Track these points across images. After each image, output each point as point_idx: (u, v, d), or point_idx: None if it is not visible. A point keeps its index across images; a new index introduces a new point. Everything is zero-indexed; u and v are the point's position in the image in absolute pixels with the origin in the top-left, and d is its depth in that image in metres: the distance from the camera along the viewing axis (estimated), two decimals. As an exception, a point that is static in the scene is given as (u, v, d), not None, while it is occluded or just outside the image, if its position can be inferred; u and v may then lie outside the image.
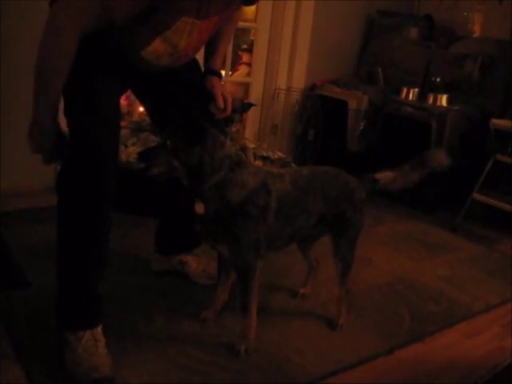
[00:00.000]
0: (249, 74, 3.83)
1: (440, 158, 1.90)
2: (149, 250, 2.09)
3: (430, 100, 3.21)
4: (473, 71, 3.36)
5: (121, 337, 1.65)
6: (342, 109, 3.42)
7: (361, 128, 3.41)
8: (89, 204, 1.43)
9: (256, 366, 1.61)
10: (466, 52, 3.43)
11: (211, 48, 1.82)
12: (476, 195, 2.91)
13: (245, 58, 4.18)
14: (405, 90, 3.32)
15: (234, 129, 2.95)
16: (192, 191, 1.54)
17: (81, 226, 1.46)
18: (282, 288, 2.09)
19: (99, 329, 1.54)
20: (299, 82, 3.65)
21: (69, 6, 1.30)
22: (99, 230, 1.48)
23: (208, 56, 1.84)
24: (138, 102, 3.33)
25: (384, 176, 1.85)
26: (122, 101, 3.45)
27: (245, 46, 4.27)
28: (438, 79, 3.38)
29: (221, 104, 1.74)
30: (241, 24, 3.63)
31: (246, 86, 3.77)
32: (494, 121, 2.91)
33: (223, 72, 3.47)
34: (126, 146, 2.76)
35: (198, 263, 2.04)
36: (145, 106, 1.93)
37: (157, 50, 1.48)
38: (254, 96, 3.63)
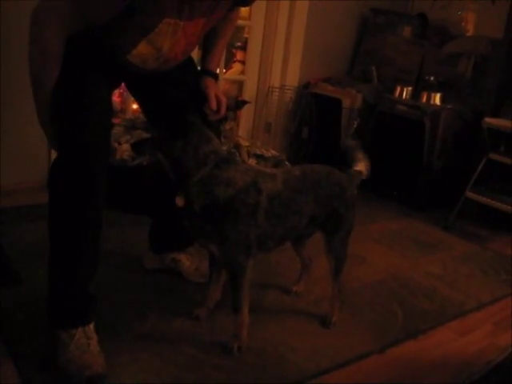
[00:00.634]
0: (243, 72, 3.82)
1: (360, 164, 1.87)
2: (142, 247, 2.08)
3: (424, 99, 3.22)
4: (466, 70, 3.37)
5: (114, 335, 1.65)
6: (335, 107, 3.42)
7: (354, 126, 3.42)
8: (79, 202, 1.42)
9: (249, 364, 1.61)
10: (459, 51, 3.44)
11: (208, 48, 1.81)
12: (469, 194, 2.92)
13: (239, 55, 4.18)
14: (398, 89, 3.33)
15: (227, 126, 2.94)
16: (178, 185, 1.54)
17: (71, 224, 1.45)
18: (275, 286, 2.09)
19: (91, 326, 1.53)
20: (293, 80, 3.65)
21: (48, 6, 1.32)
22: (90, 227, 1.48)
23: (204, 56, 1.83)
24: (131, 99, 3.35)
25: (363, 166, 1.86)
26: (116, 98, 3.44)
27: (239, 44, 4.26)
28: (432, 78, 3.40)
29: (213, 105, 1.72)
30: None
31: (240, 84, 3.77)
32: (487, 120, 2.92)
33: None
34: (120, 144, 2.75)
35: (191, 262, 2.04)
36: (138, 103, 1.92)
37: (141, 53, 1.47)
38: (248, 94, 3.62)
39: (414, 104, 3.20)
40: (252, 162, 3.04)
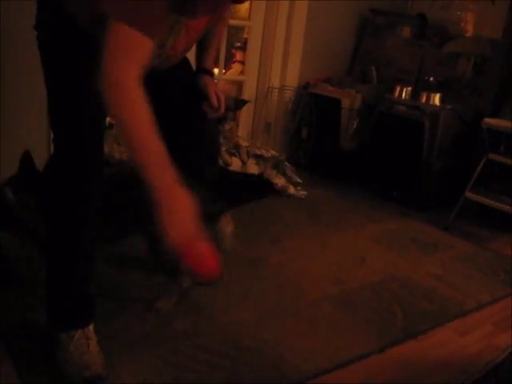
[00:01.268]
0: (242, 72, 3.83)
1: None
2: (142, 247, 2.08)
3: (423, 99, 3.21)
4: (465, 70, 3.37)
5: (113, 335, 1.65)
6: (335, 107, 3.42)
7: (354, 126, 3.42)
8: (75, 202, 1.42)
9: (248, 364, 1.61)
10: (458, 51, 3.44)
11: (203, 47, 1.81)
12: (468, 194, 2.92)
13: (238, 56, 4.18)
14: (398, 89, 3.33)
15: (227, 127, 2.94)
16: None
17: (68, 225, 1.44)
18: (273, 285, 2.09)
19: (91, 327, 1.53)
20: (293, 80, 3.65)
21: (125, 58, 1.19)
22: (87, 227, 1.47)
23: (200, 55, 1.83)
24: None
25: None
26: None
27: (238, 44, 4.26)
28: (431, 78, 3.40)
29: (214, 102, 1.73)
30: (234, 22, 3.64)
31: (240, 84, 3.77)
32: (487, 120, 2.92)
33: (216, 70, 3.46)
34: (119, 144, 2.75)
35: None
36: None
37: None
38: (248, 94, 3.62)
39: (413, 104, 3.20)
40: (252, 162, 3.05)
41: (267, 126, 3.65)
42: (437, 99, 3.19)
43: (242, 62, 3.95)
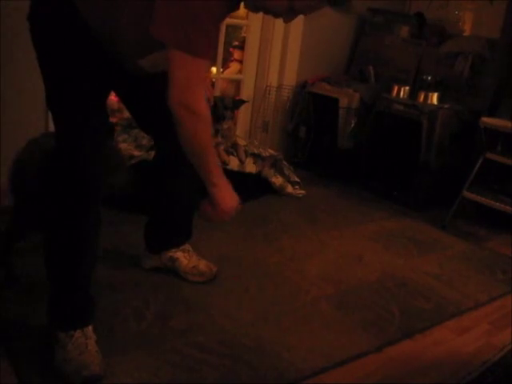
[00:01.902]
0: (240, 71, 3.82)
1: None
2: (139, 246, 2.08)
3: (421, 98, 3.21)
4: (463, 70, 3.38)
5: (111, 334, 1.65)
6: (333, 106, 3.42)
7: (352, 126, 3.42)
8: (77, 203, 1.42)
9: (246, 363, 1.61)
10: (456, 51, 3.44)
11: None
12: (466, 193, 2.92)
13: (236, 55, 4.17)
14: (396, 88, 3.33)
15: (225, 126, 2.94)
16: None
17: (69, 225, 1.45)
18: (270, 284, 2.09)
19: (90, 327, 1.53)
20: (290, 79, 3.65)
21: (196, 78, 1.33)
22: (88, 228, 1.47)
23: None
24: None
25: None
26: (113, 98, 3.43)
27: (236, 43, 4.26)
28: (429, 77, 3.40)
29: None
30: (232, 21, 3.63)
31: (238, 83, 3.77)
32: (484, 119, 2.93)
33: (214, 69, 3.47)
34: (117, 143, 2.74)
35: (189, 260, 2.04)
36: (128, 108, 1.89)
37: (155, 58, 1.47)
38: (246, 93, 3.62)
39: (411, 103, 3.20)
40: (249, 161, 3.04)
41: (265, 125, 3.65)
42: (434, 98, 3.19)
43: (240, 61, 3.95)
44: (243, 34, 4.06)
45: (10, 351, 1.53)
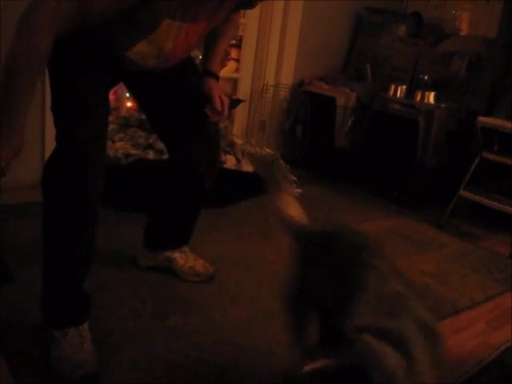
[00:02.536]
0: (237, 70, 3.82)
1: None
2: (136, 246, 2.08)
3: (418, 97, 3.22)
4: (460, 69, 3.38)
5: (107, 333, 1.64)
6: (330, 105, 3.42)
7: (349, 125, 3.42)
8: (74, 200, 1.41)
9: (242, 361, 1.61)
10: (453, 50, 3.45)
11: (209, 49, 1.80)
12: (462, 192, 2.93)
13: (233, 53, 4.16)
14: (393, 87, 3.34)
15: (222, 125, 2.93)
16: None
17: (66, 223, 1.44)
18: (268, 283, 2.09)
19: (85, 325, 1.53)
20: (287, 78, 3.65)
21: (44, 7, 1.22)
22: (85, 226, 1.47)
23: (206, 57, 1.82)
24: (125, 97, 3.33)
25: None
26: (110, 96, 3.43)
27: (233, 42, 4.24)
28: (426, 77, 3.40)
29: (218, 106, 1.73)
30: (229, 19, 3.63)
31: (234, 82, 3.76)
32: (481, 118, 2.93)
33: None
34: (114, 142, 2.74)
35: (186, 260, 2.03)
36: (138, 102, 1.90)
37: (142, 51, 1.46)
38: (243, 92, 3.62)
39: (408, 103, 3.20)
40: (246, 160, 3.04)
41: (262, 124, 3.65)
42: (431, 98, 3.20)
43: (237, 60, 3.94)
44: (240, 33, 4.05)
45: (7, 351, 1.52)
